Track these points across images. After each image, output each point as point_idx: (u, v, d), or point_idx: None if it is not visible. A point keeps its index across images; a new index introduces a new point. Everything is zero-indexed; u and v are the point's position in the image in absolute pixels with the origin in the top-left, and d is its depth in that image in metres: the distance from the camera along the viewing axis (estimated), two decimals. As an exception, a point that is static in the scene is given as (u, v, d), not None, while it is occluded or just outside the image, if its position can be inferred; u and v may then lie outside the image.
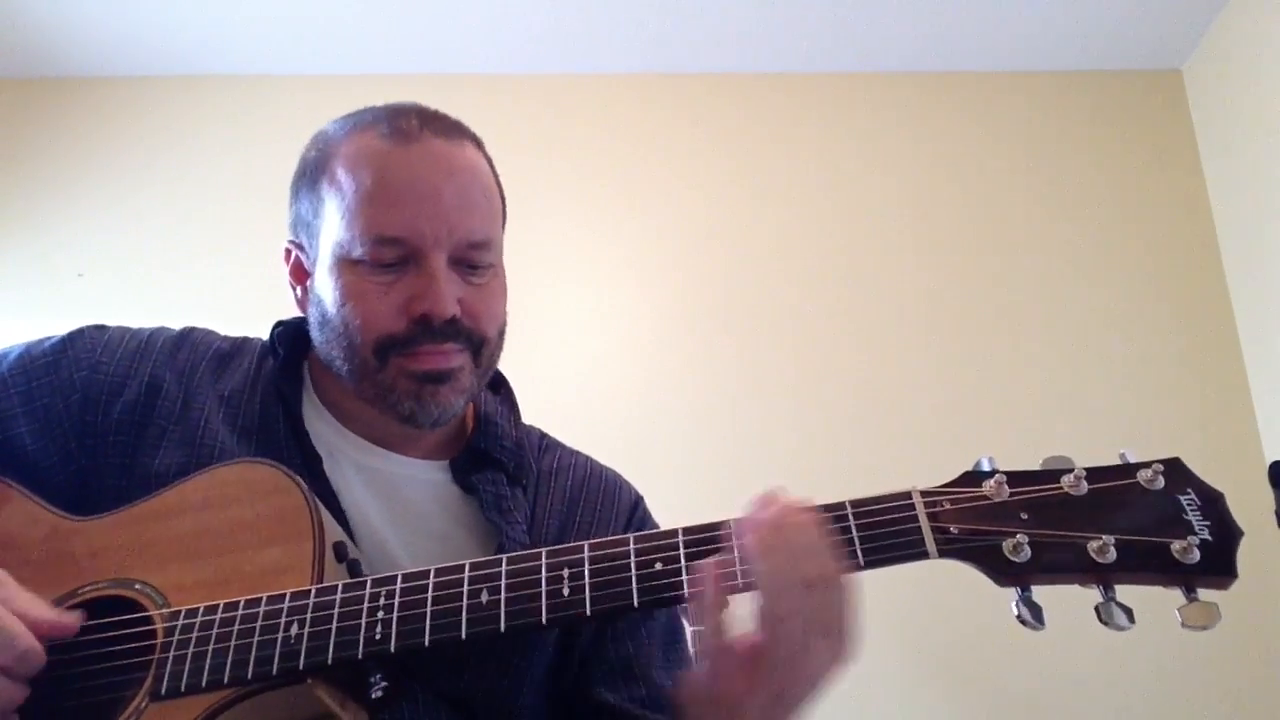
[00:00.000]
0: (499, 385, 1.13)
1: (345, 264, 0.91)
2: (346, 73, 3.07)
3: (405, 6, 2.93)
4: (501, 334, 0.98)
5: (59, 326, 1.01)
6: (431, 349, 0.91)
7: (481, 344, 0.95)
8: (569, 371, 2.79)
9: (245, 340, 1.05)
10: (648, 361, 2.86)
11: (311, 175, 0.97)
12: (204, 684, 0.74)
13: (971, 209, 3.03)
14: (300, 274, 0.99)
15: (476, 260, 0.93)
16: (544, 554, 0.76)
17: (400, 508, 0.96)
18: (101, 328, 1.01)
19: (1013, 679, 2.52)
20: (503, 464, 1.01)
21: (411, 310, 0.90)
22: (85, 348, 0.97)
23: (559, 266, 2.92)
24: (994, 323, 2.90)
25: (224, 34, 3.01)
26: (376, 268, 0.90)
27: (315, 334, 0.97)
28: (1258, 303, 2.81)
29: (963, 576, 0.76)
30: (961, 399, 2.80)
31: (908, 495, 0.75)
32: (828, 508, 0.76)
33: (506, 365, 1.10)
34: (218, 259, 2.92)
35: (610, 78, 3.17)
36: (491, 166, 1.00)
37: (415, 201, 0.90)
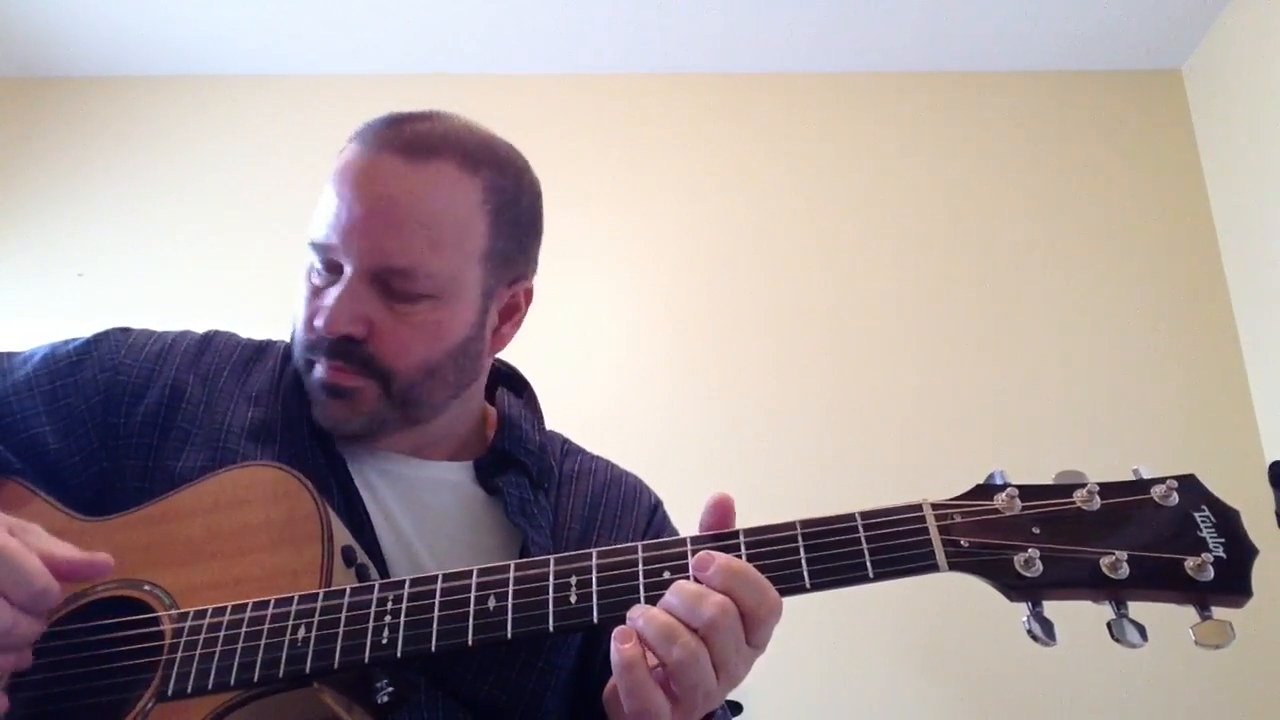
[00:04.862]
0: (522, 389, 1.12)
1: (305, 268, 0.94)
2: (346, 73, 3.06)
3: (406, 6, 2.92)
4: (429, 373, 0.92)
5: (59, 326, 1.02)
6: (326, 362, 0.91)
7: (389, 377, 0.90)
8: (584, 376, 2.78)
9: (269, 342, 1.05)
10: (663, 367, 2.86)
11: None
12: (210, 686, 0.73)
13: (971, 210, 3.03)
14: None
15: (398, 288, 0.88)
16: (552, 561, 0.76)
17: (424, 510, 0.96)
18: (126, 330, 1.01)
19: (1015, 685, 2.52)
20: (526, 467, 1.00)
21: (313, 321, 0.91)
22: (109, 349, 0.97)
23: (572, 266, 2.90)
24: (992, 324, 2.90)
25: (224, 34, 3.00)
26: (318, 274, 0.92)
27: None
28: (1258, 303, 2.81)
29: (967, 587, 0.76)
30: (961, 400, 2.80)
31: (918, 507, 0.75)
32: (834, 519, 0.76)
33: (524, 368, 1.11)
34: (217, 258, 2.92)
35: (630, 77, 3.17)
36: (490, 194, 0.93)
37: (334, 213, 0.89)
